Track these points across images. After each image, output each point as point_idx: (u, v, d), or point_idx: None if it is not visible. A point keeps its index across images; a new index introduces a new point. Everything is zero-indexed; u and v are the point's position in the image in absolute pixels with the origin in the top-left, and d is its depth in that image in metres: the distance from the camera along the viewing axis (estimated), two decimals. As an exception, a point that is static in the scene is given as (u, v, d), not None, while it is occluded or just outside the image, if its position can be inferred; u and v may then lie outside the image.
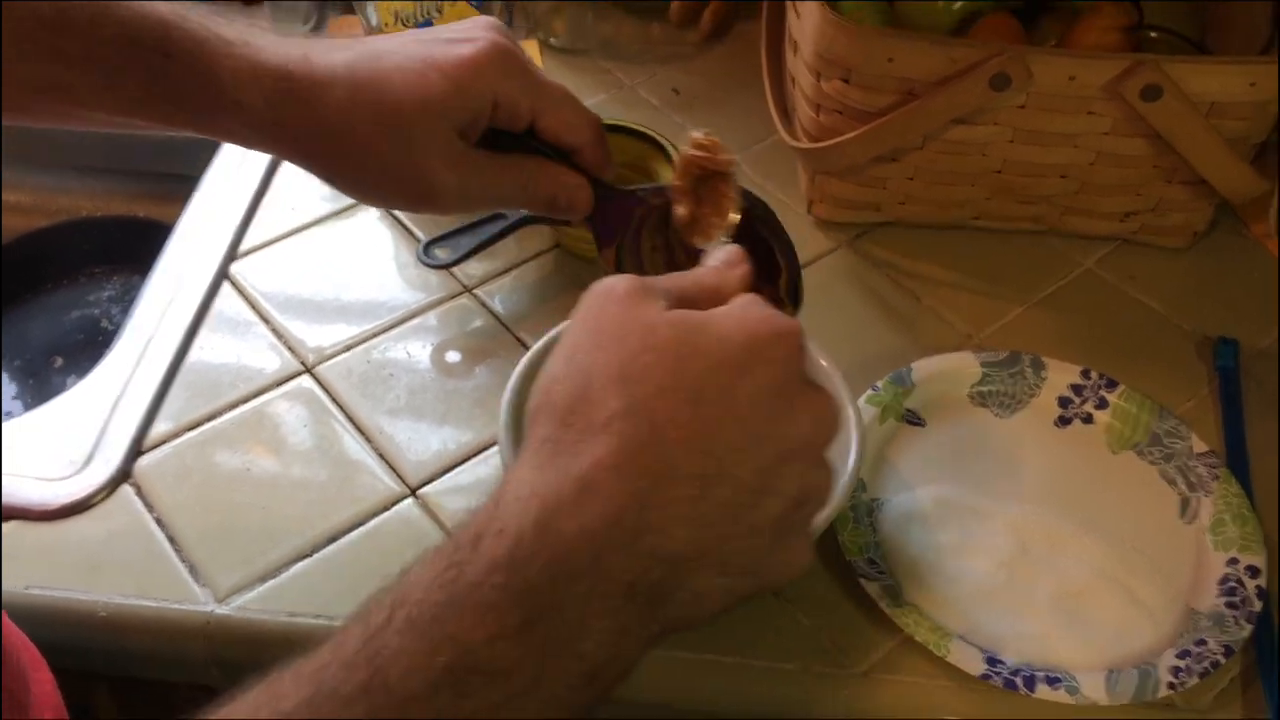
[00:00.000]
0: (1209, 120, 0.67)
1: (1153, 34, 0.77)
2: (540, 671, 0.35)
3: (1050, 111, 0.69)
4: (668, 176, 0.74)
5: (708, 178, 0.55)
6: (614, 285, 0.41)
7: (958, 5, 0.76)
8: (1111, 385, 0.66)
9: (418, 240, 0.74)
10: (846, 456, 0.56)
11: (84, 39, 0.49)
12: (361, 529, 0.61)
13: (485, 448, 0.64)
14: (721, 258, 0.45)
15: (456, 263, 0.71)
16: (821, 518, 0.51)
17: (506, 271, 0.75)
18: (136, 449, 0.64)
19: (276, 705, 0.33)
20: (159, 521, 0.61)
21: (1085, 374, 0.67)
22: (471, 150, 0.54)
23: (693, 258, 0.55)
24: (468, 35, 0.53)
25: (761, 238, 0.55)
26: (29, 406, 0.88)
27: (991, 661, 0.54)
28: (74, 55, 0.49)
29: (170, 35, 0.50)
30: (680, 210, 0.55)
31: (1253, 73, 0.66)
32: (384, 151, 0.51)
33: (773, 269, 0.56)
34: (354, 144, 0.51)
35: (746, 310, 0.40)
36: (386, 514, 0.61)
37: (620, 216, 0.58)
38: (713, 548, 0.37)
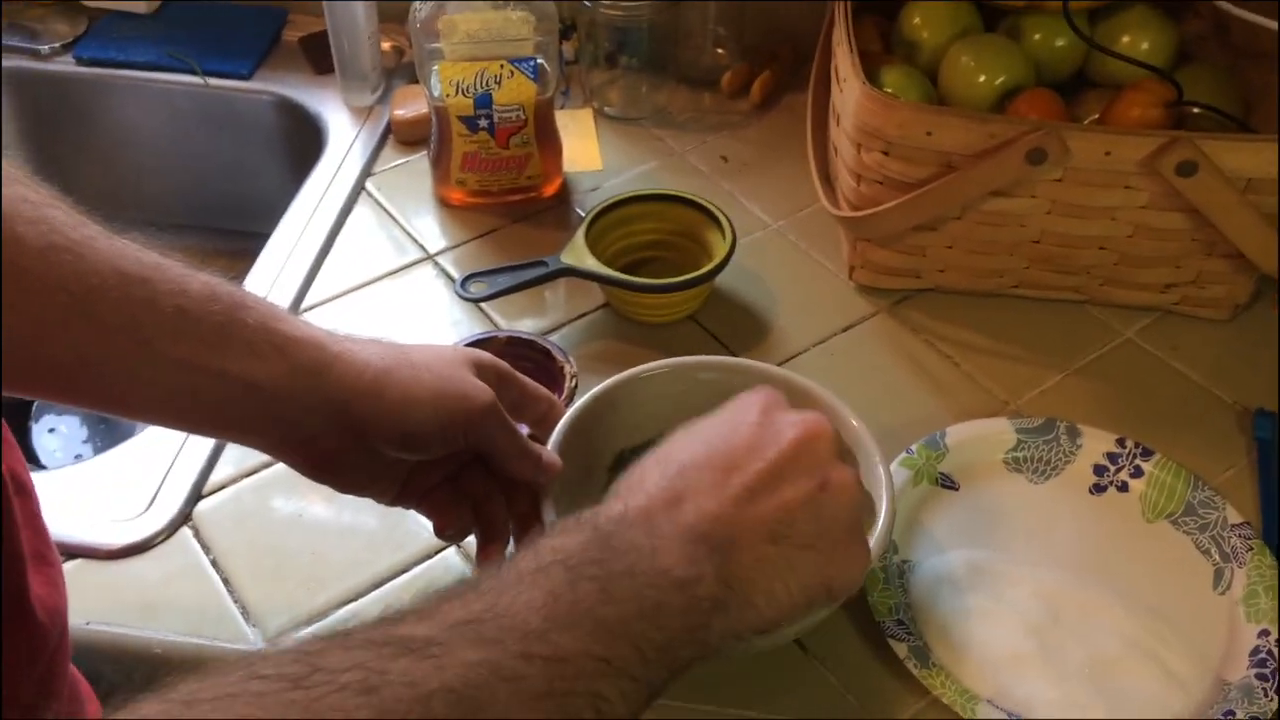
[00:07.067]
0: (1245, 196, 0.68)
1: (1195, 109, 0.78)
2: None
3: (1087, 185, 0.70)
4: (718, 244, 0.76)
5: None
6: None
7: (999, 81, 0.78)
8: (1147, 454, 0.67)
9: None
10: (877, 518, 0.57)
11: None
12: (405, 575, 0.63)
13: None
14: None
15: (489, 298, 0.74)
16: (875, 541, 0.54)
17: (556, 329, 0.77)
18: (197, 493, 0.67)
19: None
20: (214, 563, 0.63)
21: (1121, 442, 0.68)
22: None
23: None
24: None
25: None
26: (99, 451, 0.92)
27: (1017, 726, 0.55)
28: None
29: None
30: None
31: (1289, 150, 0.67)
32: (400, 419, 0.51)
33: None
34: (381, 406, 0.51)
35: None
36: (430, 561, 0.64)
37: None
38: (739, 517, 0.45)
